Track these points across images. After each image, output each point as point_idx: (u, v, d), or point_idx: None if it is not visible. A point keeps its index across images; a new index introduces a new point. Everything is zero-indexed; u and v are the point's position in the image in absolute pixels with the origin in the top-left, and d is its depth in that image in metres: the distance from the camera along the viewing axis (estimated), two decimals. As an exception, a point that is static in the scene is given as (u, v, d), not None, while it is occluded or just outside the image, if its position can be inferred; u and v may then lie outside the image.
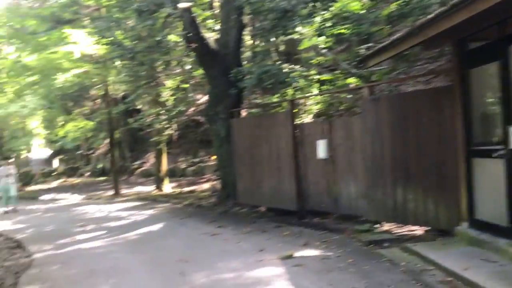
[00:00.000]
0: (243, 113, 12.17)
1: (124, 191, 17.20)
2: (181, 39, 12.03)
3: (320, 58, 11.50)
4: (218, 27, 12.40)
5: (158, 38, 10.76)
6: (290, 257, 6.24)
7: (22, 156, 29.51)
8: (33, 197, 18.64)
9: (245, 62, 11.90)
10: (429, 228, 6.74)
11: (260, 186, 9.96)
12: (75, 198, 17.45)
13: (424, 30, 5.31)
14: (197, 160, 18.90)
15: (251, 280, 5.40)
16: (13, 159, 19.63)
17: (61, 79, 15.76)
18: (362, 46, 9.51)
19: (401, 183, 6.90)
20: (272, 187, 9.62)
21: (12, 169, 14.78)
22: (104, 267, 6.53)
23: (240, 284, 5.28)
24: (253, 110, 12.84)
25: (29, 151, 30.06)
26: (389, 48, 6.15)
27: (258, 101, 13.34)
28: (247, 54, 13.13)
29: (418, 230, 6.97)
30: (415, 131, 6.71)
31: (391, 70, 9.64)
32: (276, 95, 11.28)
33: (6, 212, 13.92)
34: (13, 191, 14.31)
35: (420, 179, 6.65)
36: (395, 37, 6.04)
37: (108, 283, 5.78)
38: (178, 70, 14.84)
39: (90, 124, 21.35)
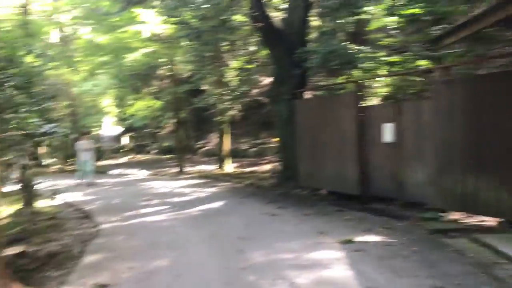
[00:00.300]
0: (307, 94, 11.97)
1: (188, 169, 17.60)
2: (247, 19, 11.97)
3: (389, 40, 11.03)
4: (284, 6, 12.21)
5: (223, 17, 10.75)
6: (350, 241, 6.09)
7: (93, 133, 30.99)
8: (103, 171, 19.53)
9: (310, 44, 11.65)
10: (502, 219, 6.32)
11: (322, 168, 9.79)
12: (142, 174, 18.10)
13: (508, 5, 4.89)
14: (259, 141, 18.96)
15: (309, 262, 5.32)
16: (90, 135, 20.53)
17: (130, 58, 16.23)
18: (435, 27, 8.99)
19: (473, 171, 6.50)
20: (334, 170, 9.43)
21: (90, 144, 15.43)
22: (166, 240, 6.71)
23: (298, 265, 5.21)
24: (317, 92, 12.59)
25: (100, 128, 31.48)
26: (468, 25, 5.74)
27: (322, 83, 13.07)
28: (313, 35, 12.86)
29: (490, 221, 6.58)
30: (491, 116, 6.27)
31: (465, 52, 9.06)
32: (342, 77, 10.97)
33: (78, 185, 14.62)
34: (90, 165, 14.96)
35: (494, 167, 6.22)
36: (475, 12, 5.62)
37: (169, 255, 5.92)
38: (242, 51, 14.84)
39: (158, 103, 21.95)
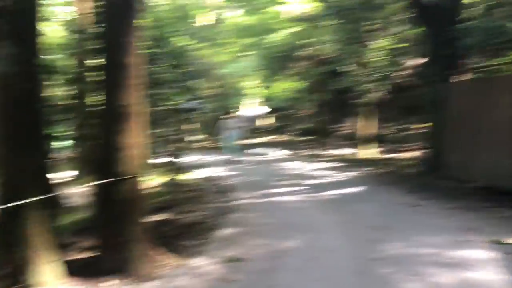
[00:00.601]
0: (461, 76, 10.87)
1: (325, 152, 17.42)
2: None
3: None
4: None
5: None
6: (503, 242, 5.35)
7: (236, 112, 32.40)
8: (244, 150, 20.24)
9: (468, 22, 10.52)
10: None
11: (473, 159, 8.81)
12: (279, 154, 18.38)
13: None
14: (401, 127, 17.94)
15: (452, 261, 4.79)
16: (237, 114, 21.42)
17: (274, 39, 16.45)
18: None
19: None
20: (488, 162, 8.40)
21: (235, 123, 16.14)
22: (298, 222, 6.67)
23: (439, 263, 4.73)
24: (474, 75, 11.36)
25: (242, 108, 32.81)
26: None
27: (479, 64, 11.77)
28: (472, 11, 11.60)
29: None
30: None
31: None
32: (505, 58, 9.72)
33: (221, 161, 15.29)
34: (234, 143, 15.65)
35: None
36: None
37: (300, 237, 5.86)
38: (389, 30, 14.03)
39: (299, 84, 22.02)
